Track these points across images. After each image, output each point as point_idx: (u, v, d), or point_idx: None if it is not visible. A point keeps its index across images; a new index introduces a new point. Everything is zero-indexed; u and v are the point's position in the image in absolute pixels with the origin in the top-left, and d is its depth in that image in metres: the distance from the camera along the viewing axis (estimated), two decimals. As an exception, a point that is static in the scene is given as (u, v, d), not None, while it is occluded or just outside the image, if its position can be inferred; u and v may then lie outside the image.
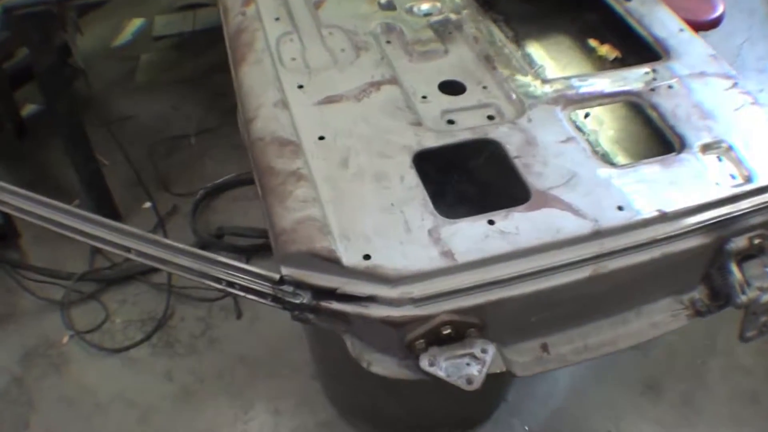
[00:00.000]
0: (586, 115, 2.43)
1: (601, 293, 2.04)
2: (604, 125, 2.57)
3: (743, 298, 2.05)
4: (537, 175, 2.09)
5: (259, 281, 1.93)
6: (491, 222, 1.95)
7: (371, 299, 1.85)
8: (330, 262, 1.86)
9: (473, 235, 1.92)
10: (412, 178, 2.05)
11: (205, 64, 5.23)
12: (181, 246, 1.99)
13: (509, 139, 2.20)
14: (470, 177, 2.45)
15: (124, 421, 3.49)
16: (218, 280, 1.96)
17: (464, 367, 1.83)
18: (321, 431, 3.46)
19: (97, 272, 4.08)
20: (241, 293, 1.94)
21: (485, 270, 1.89)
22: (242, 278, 1.95)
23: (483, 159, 2.34)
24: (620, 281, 2.00)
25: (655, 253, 1.99)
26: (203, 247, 4.10)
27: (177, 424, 3.50)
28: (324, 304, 1.89)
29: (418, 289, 1.84)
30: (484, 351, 1.86)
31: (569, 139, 2.21)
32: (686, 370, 3.57)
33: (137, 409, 3.55)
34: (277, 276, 1.91)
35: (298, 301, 1.89)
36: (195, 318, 3.93)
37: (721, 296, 2.18)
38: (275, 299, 1.93)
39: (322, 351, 3.23)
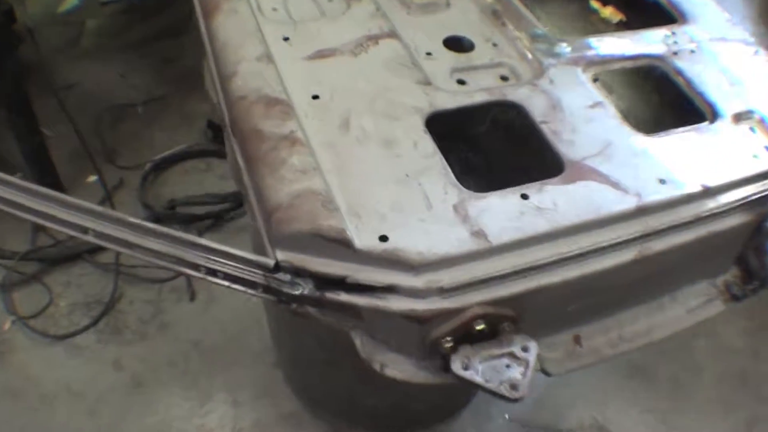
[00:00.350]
0: (596, 79, 2.03)
1: (642, 277, 1.69)
2: (614, 92, 2.18)
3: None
4: (568, 144, 1.73)
5: (248, 268, 1.49)
6: (525, 196, 1.58)
7: (389, 289, 1.45)
8: (338, 245, 1.44)
9: (506, 212, 1.55)
10: (428, 144, 1.64)
11: (154, 30, 4.73)
12: (151, 226, 1.53)
13: (532, 102, 1.83)
14: (478, 145, 2.04)
15: (73, 414, 3.10)
16: (196, 267, 1.50)
17: (504, 370, 1.45)
18: (285, 424, 3.05)
19: (40, 251, 3.55)
20: (225, 283, 1.50)
21: (523, 253, 1.52)
22: (227, 265, 1.50)
23: (498, 125, 1.93)
24: (662, 264, 1.67)
25: (700, 231, 1.66)
26: (156, 222, 3.66)
27: (128, 417, 3.12)
28: (330, 295, 1.46)
29: (447, 277, 1.44)
30: (525, 349, 1.48)
31: (597, 104, 1.86)
32: (674, 350, 3.24)
33: (85, 401, 3.15)
34: (270, 262, 1.46)
35: (297, 293, 1.46)
36: (144, 301, 3.47)
37: (756, 278, 1.86)
38: (268, 290, 1.49)
39: (288, 337, 2.80)
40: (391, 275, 1.45)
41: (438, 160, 1.62)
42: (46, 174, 3.67)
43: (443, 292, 1.44)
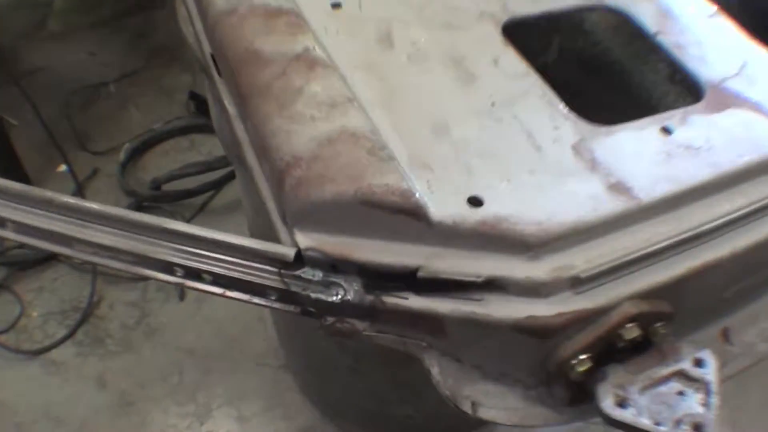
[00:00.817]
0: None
1: None
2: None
3: None
4: (699, 61, 1.16)
5: (253, 265, 0.84)
6: (666, 130, 0.92)
7: (491, 286, 0.81)
8: (402, 217, 0.80)
9: (647, 154, 0.97)
10: (514, 60, 1.03)
11: (125, 4, 4.07)
12: (96, 208, 0.89)
13: (636, 8, 1.18)
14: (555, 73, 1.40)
15: None
16: (169, 268, 0.87)
17: (677, 402, 0.86)
18: (301, 440, 2.41)
19: (6, 254, 2.91)
20: (215, 289, 0.90)
21: (681, 214, 0.93)
22: (217, 262, 0.85)
23: (587, 40, 1.30)
24: None
25: None
26: (140, 209, 3.02)
27: None
28: (390, 300, 0.82)
29: (581, 260, 0.79)
30: (699, 364, 0.89)
31: (715, 14, 1.27)
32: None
33: (67, 428, 2.51)
34: (288, 252, 0.82)
35: (335, 299, 0.82)
36: (127, 303, 2.81)
37: None
38: (287, 297, 0.85)
39: (301, 340, 2.18)
40: (492, 262, 0.82)
41: (535, 82, 1.00)
42: (10, 166, 3.06)
43: (579, 284, 0.82)
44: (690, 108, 1.04)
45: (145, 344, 2.71)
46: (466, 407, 0.91)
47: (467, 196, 0.84)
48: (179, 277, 0.92)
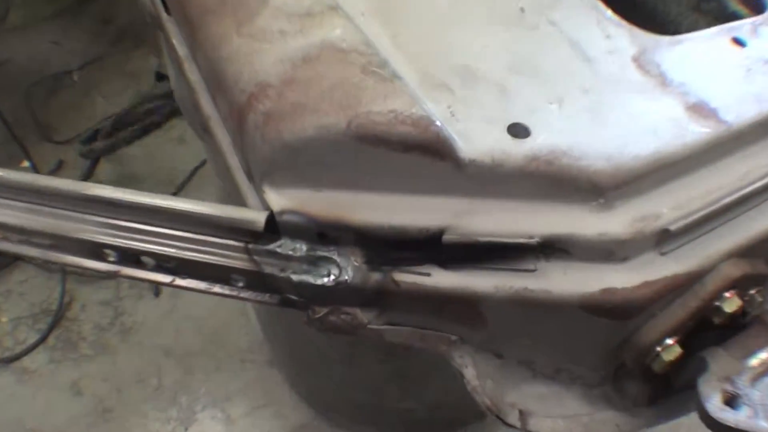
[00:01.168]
0: None
1: None
2: None
3: None
4: None
5: (209, 239, 0.55)
6: (738, 42, 0.67)
7: (549, 249, 0.51)
8: (418, 157, 0.50)
9: (723, 69, 0.68)
10: None
11: (88, -12, 3.77)
12: (15, 177, 0.60)
13: None
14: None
15: None
16: (96, 251, 0.58)
17: None
18: (295, 441, 2.14)
19: (-33, 256, 2.62)
20: (162, 277, 0.59)
21: None
22: (160, 239, 0.56)
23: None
24: None
25: None
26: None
27: None
28: (406, 278, 0.53)
29: (670, 206, 0.49)
30: None
31: None
32: None
33: (43, 440, 2.21)
34: (257, 218, 0.53)
35: (325, 281, 0.52)
36: (100, 303, 2.52)
37: None
38: (257, 281, 0.55)
39: (285, 334, 1.91)
40: (549, 215, 0.55)
41: (571, -20, 0.70)
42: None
43: (667, 240, 0.54)
44: (757, 19, 0.78)
45: (121, 346, 2.42)
46: (513, 419, 0.64)
47: (506, 123, 0.57)
48: (111, 263, 0.64)
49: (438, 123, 0.54)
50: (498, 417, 0.64)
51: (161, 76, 2.97)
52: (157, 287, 2.49)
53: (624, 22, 0.70)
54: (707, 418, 0.58)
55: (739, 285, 0.61)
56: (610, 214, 0.56)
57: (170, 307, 2.47)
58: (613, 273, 0.55)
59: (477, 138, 0.56)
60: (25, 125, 3.11)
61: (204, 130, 0.90)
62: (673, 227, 0.55)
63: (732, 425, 0.56)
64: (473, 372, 0.62)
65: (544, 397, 0.66)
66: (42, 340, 2.46)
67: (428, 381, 1.78)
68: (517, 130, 0.57)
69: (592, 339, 0.60)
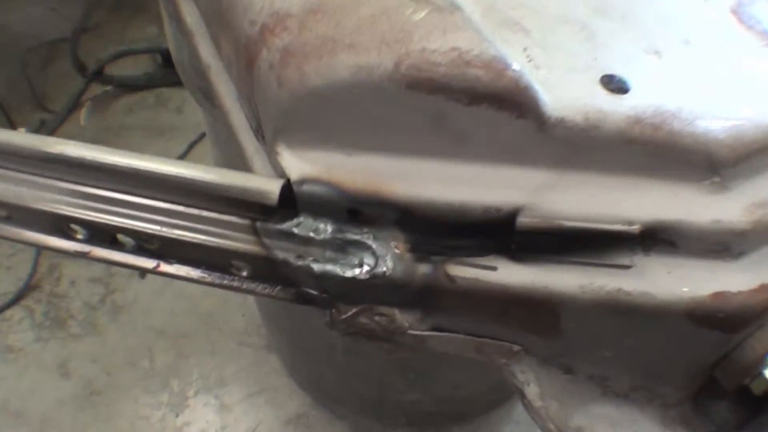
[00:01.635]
0: None
1: None
2: None
3: None
4: None
5: (207, 215, 0.40)
6: None
7: (651, 240, 0.36)
8: (488, 111, 0.34)
9: None
10: None
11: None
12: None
13: None
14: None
15: None
16: (61, 227, 0.42)
17: None
18: (292, 431, 2.00)
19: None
20: (144, 263, 0.41)
21: None
22: (142, 212, 0.40)
23: None
24: None
25: None
26: None
27: None
28: (466, 273, 0.38)
29: None
30: None
31: None
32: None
33: (27, 423, 2.10)
34: (271, 189, 0.37)
35: (357, 272, 0.37)
36: (90, 279, 2.37)
37: None
38: (266, 270, 0.40)
39: (286, 319, 1.77)
40: (653, 195, 0.38)
41: None
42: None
43: None
44: None
45: (111, 325, 2.27)
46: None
47: (599, 75, 0.42)
48: (80, 241, 0.49)
49: (517, 67, 0.39)
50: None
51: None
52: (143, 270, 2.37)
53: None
54: None
55: None
56: (725, 198, 0.41)
57: (164, 285, 2.33)
58: (726, 273, 0.41)
59: (565, 91, 0.41)
60: (19, 93, 2.97)
61: (203, 90, 0.76)
62: None
63: None
64: (536, 391, 0.48)
65: (614, 419, 0.52)
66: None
67: (436, 373, 1.65)
68: (614, 85, 0.42)
69: (686, 353, 0.46)
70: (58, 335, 2.28)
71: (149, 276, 2.34)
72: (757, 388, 0.47)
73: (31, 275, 2.41)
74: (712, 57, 0.48)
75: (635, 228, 0.40)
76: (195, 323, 2.25)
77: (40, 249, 2.30)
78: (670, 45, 0.48)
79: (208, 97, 0.71)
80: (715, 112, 0.43)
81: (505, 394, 2.07)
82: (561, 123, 0.40)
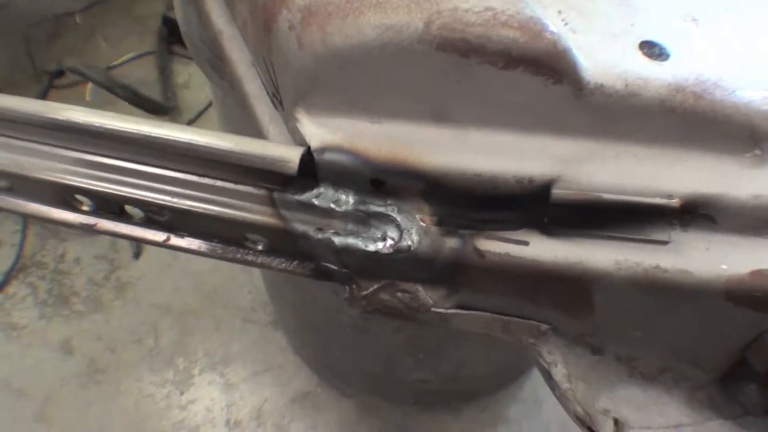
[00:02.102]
0: None
1: None
2: None
3: None
4: None
5: (220, 185, 0.37)
6: None
7: (690, 215, 0.35)
8: (523, 75, 0.32)
9: None
10: None
11: None
12: None
13: None
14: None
15: (16, 421, 2.04)
16: (64, 197, 0.39)
17: None
18: (297, 409, 2.01)
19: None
20: (153, 235, 0.39)
21: None
22: (150, 182, 0.38)
23: None
24: None
25: None
26: None
27: (87, 418, 2.02)
28: (496, 247, 0.36)
29: None
30: None
31: None
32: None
33: (30, 401, 2.08)
34: (291, 156, 0.35)
35: (380, 246, 0.34)
36: (95, 256, 2.34)
37: None
38: (283, 243, 0.38)
39: (293, 294, 1.74)
40: (692, 168, 0.36)
41: None
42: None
43: None
44: None
45: (116, 302, 2.26)
46: (607, 429, 0.48)
47: (638, 41, 0.40)
48: (86, 213, 0.47)
49: (554, 29, 0.37)
50: (590, 429, 0.48)
51: (167, 20, 2.78)
52: (137, 248, 2.34)
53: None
54: None
55: None
56: (767, 172, 0.39)
57: (169, 262, 2.31)
58: (766, 250, 0.39)
59: (603, 57, 0.38)
60: (22, 69, 2.93)
61: (211, 62, 0.73)
62: None
63: None
64: (564, 372, 0.46)
65: (641, 402, 0.50)
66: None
67: (445, 353, 1.64)
68: (653, 51, 0.40)
69: (721, 333, 0.44)
70: (62, 312, 2.26)
71: (154, 252, 2.32)
72: None
73: (20, 249, 2.38)
74: (754, 25, 0.46)
75: (675, 202, 0.38)
76: (200, 300, 2.23)
77: (42, 222, 2.29)
78: (709, 12, 0.45)
79: (217, 68, 0.68)
80: (757, 83, 0.41)
81: (513, 374, 2.05)
82: (600, 89, 0.37)
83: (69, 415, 2.06)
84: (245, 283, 2.25)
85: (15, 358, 2.19)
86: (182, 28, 0.95)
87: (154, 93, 2.71)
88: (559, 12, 0.40)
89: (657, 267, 0.40)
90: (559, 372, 0.45)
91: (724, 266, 0.40)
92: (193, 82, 2.67)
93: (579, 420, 0.47)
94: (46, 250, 2.40)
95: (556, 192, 0.38)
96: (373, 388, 2.00)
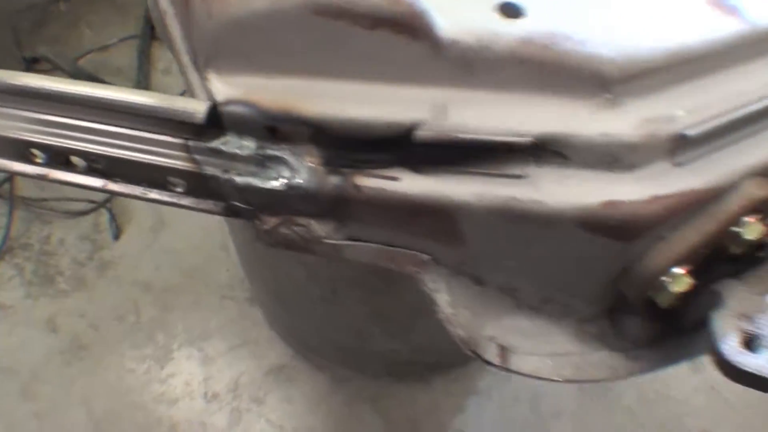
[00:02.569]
0: None
1: None
2: None
3: None
4: None
5: (145, 136, 0.44)
6: None
7: (542, 151, 0.41)
8: (388, 35, 0.40)
9: None
10: None
11: None
12: None
13: None
14: None
15: (2, 396, 2.11)
16: (23, 151, 0.47)
17: None
18: (272, 381, 2.07)
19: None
20: (85, 180, 0.48)
21: None
22: (98, 140, 0.46)
23: None
24: None
25: None
26: None
27: (71, 393, 2.09)
28: (371, 183, 0.43)
29: (687, 108, 0.40)
30: None
31: None
32: None
33: (16, 378, 2.15)
34: (199, 109, 0.42)
35: (274, 184, 0.42)
36: (78, 237, 2.40)
37: None
38: (198, 184, 0.45)
39: (264, 269, 1.80)
40: (544, 111, 0.44)
41: None
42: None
43: (684, 147, 0.44)
44: None
45: (99, 281, 2.32)
46: (491, 354, 0.55)
47: (495, 1, 0.46)
48: (39, 164, 0.54)
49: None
50: (474, 353, 0.55)
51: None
52: (116, 230, 2.39)
53: None
54: (722, 362, 0.49)
55: (763, 209, 0.51)
56: (616, 113, 0.46)
57: (150, 241, 2.37)
58: (617, 183, 0.46)
59: (460, 15, 0.45)
60: (10, 57, 2.97)
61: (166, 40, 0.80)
62: (691, 132, 0.46)
63: (752, 371, 0.48)
64: (447, 298, 0.53)
65: (528, 331, 0.57)
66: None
67: (413, 322, 1.70)
68: (509, 10, 0.47)
69: (588, 264, 0.51)
70: (48, 292, 2.31)
71: (135, 232, 2.38)
72: (662, 301, 0.52)
73: (7, 231, 2.43)
74: None
75: (527, 139, 0.45)
76: (180, 278, 2.28)
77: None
78: None
79: (165, 35, 0.75)
80: (609, 35, 0.47)
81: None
82: (455, 45, 0.44)
83: (53, 390, 2.11)
84: (223, 260, 2.30)
85: (2, 337, 2.23)
86: (151, 13, 1.02)
87: (130, 81, 2.75)
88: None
89: (513, 198, 0.47)
90: (442, 298, 0.52)
91: (576, 197, 0.47)
92: (174, 68, 2.72)
93: (463, 343, 0.54)
94: (31, 232, 2.45)
95: (418, 134, 0.45)
96: (346, 361, 2.06)
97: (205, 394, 2.06)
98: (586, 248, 0.48)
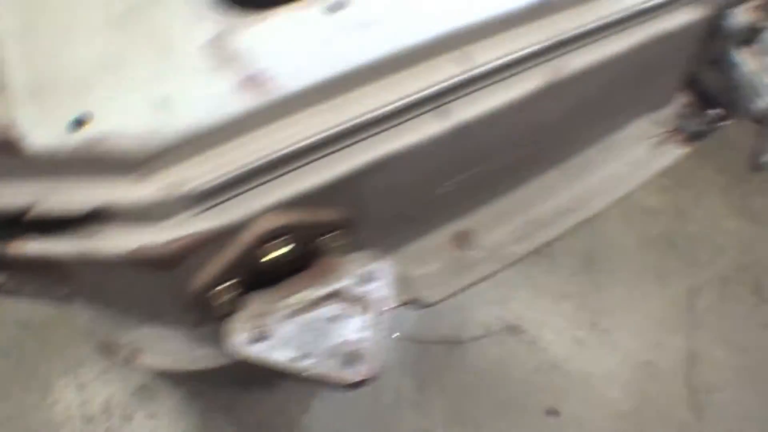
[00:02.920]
0: None
1: (552, 121, 0.99)
2: None
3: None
4: None
5: None
6: (333, 9, 0.80)
7: (99, 216, 0.68)
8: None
9: (302, 38, 0.78)
10: None
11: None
12: None
13: None
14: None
15: None
16: None
17: (331, 329, 0.75)
18: (137, 400, 2.27)
19: None
20: None
21: (344, 101, 0.77)
22: None
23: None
24: (583, 93, 0.96)
25: (639, 36, 0.95)
26: None
27: None
28: (13, 247, 0.70)
29: (198, 172, 0.68)
30: (369, 278, 0.78)
31: None
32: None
33: None
34: None
35: None
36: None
37: (716, 103, 1.18)
38: None
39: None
40: (98, 189, 0.70)
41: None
42: None
43: (194, 201, 0.71)
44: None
45: (-16, 325, 2.49)
46: (122, 356, 0.81)
47: (74, 117, 0.72)
48: None
49: (13, 126, 0.68)
50: (108, 355, 0.80)
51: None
52: None
53: (224, 3, 0.78)
54: (231, 353, 0.71)
55: (293, 232, 0.76)
56: (144, 184, 0.70)
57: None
58: (146, 234, 0.70)
59: (45, 133, 0.70)
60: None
61: None
62: (194, 191, 0.69)
63: (253, 357, 0.71)
64: (90, 319, 0.79)
65: (153, 338, 0.82)
66: None
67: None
68: (78, 122, 0.70)
69: (158, 287, 0.76)
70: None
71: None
72: (220, 311, 0.76)
73: None
74: (169, 87, 0.71)
75: (84, 210, 0.70)
76: (54, 312, 2.42)
77: None
78: (138, 85, 0.70)
79: None
80: (136, 128, 0.67)
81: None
82: (36, 156, 0.68)
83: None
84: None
85: None
86: None
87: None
88: (42, 106, 0.70)
89: (84, 248, 0.71)
90: (86, 320, 0.78)
91: (121, 245, 0.71)
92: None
93: (100, 349, 0.80)
94: None
95: (28, 214, 0.70)
96: (197, 376, 2.28)
97: (83, 416, 2.25)
98: (145, 278, 0.74)
